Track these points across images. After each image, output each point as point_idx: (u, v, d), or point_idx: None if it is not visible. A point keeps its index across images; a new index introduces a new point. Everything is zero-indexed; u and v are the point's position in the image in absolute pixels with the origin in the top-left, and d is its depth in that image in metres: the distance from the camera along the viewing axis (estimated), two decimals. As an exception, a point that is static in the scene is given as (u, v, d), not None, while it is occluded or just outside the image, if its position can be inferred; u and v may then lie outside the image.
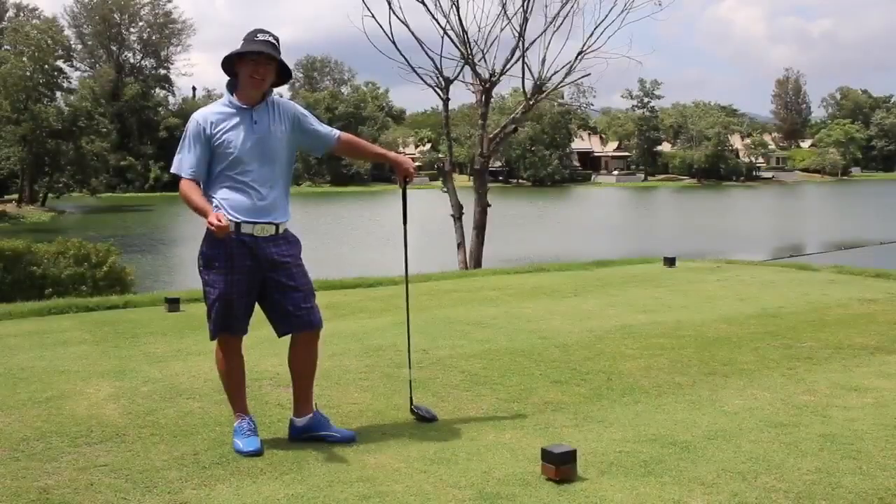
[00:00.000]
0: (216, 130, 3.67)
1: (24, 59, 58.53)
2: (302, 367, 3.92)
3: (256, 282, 3.76)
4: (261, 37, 3.70)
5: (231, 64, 3.74)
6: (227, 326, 3.85)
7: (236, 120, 3.69)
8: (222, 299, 3.77)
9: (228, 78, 3.81)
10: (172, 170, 3.70)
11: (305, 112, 3.95)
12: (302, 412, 3.87)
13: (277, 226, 3.77)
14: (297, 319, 3.80)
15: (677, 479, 3.26)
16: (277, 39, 3.74)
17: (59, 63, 62.72)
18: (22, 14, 74.76)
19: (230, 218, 3.64)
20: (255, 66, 3.68)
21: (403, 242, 4.17)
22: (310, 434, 3.81)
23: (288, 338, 3.90)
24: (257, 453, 3.60)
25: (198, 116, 3.72)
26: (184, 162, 3.69)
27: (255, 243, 3.71)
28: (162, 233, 45.59)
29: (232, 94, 3.75)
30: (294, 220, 4.02)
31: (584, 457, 3.46)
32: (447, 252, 21.12)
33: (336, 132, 4.03)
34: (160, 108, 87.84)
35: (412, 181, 4.17)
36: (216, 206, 3.68)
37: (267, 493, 3.19)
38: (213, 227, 3.45)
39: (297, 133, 3.86)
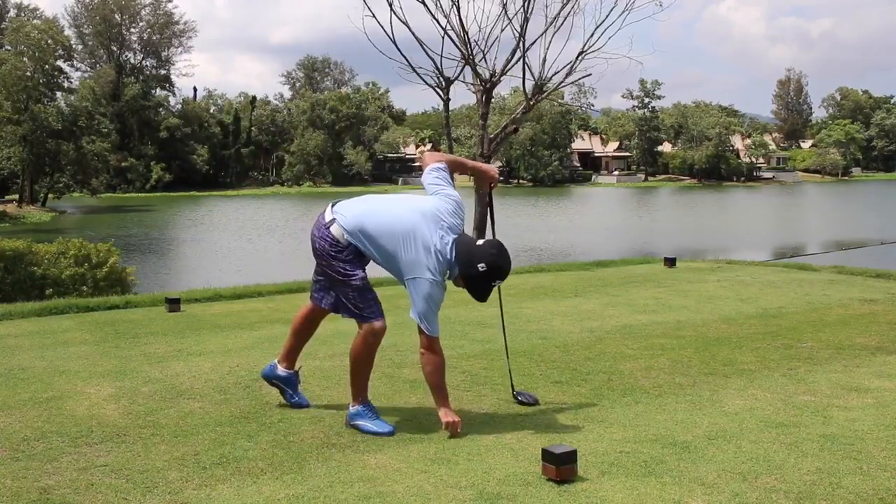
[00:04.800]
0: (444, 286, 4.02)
1: (25, 59, 58.53)
2: (313, 333, 4.43)
3: None
4: (495, 284, 3.99)
5: None
6: (381, 312, 4.05)
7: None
8: (366, 280, 4.03)
9: None
10: (436, 332, 4.04)
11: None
12: (288, 365, 4.36)
13: None
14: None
15: (678, 480, 3.26)
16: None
17: (60, 63, 62.74)
18: (23, 14, 74.79)
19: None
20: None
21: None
22: (276, 384, 4.35)
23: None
24: (392, 433, 3.87)
25: (441, 279, 3.96)
26: (437, 318, 4.05)
27: None
28: (162, 233, 45.62)
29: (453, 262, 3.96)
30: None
31: (585, 457, 3.46)
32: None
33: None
34: (161, 109, 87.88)
35: (496, 187, 4.40)
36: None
37: (268, 493, 3.19)
38: (455, 428, 3.86)
39: None
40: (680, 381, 4.81)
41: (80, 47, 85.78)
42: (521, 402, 4.37)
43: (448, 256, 3.88)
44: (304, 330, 4.39)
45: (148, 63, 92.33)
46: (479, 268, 3.85)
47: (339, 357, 5.44)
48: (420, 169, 4.49)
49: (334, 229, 3.95)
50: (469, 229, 17.02)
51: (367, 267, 4.10)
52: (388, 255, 3.92)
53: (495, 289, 4.08)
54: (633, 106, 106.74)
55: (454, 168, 4.33)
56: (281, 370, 4.35)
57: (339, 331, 6.18)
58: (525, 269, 11.25)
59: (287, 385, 4.36)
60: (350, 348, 4.09)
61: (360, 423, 3.95)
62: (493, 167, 4.42)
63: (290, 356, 4.39)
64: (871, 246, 32.03)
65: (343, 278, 3.96)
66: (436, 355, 3.99)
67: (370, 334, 4.01)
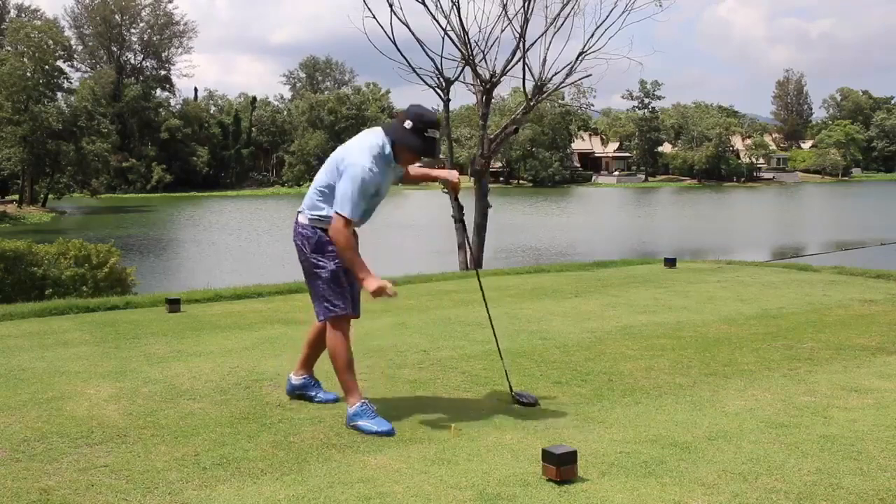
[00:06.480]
0: (377, 187, 4.12)
1: (25, 59, 58.55)
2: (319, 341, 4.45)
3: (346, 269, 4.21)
4: (430, 133, 4.11)
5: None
6: (346, 305, 4.13)
7: (388, 173, 4.19)
8: (336, 273, 4.12)
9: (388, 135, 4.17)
10: (349, 214, 3.99)
11: None
12: (301, 373, 4.48)
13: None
14: (359, 305, 4.33)
15: (678, 480, 3.26)
16: (439, 126, 4.22)
17: (60, 63, 62.78)
18: (23, 15, 74.84)
19: None
20: (418, 157, 4.22)
21: (467, 243, 4.67)
22: (299, 394, 4.47)
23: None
24: (392, 433, 3.89)
25: (374, 176, 4.04)
26: (359, 209, 4.05)
27: None
28: (162, 233, 45.61)
29: (391, 149, 4.12)
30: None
31: (585, 457, 3.46)
32: (448, 253, 21.12)
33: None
34: (161, 110, 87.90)
35: (458, 190, 4.57)
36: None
37: (268, 493, 3.19)
38: (382, 294, 3.97)
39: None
40: (680, 382, 4.81)
41: (80, 48, 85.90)
42: (520, 403, 4.36)
43: (386, 152, 4.09)
44: (320, 341, 4.44)
45: (148, 64, 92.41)
46: (406, 126, 4.07)
47: (339, 358, 5.44)
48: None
49: (300, 218, 4.23)
50: (469, 230, 17.03)
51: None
52: (333, 186, 4.07)
53: (482, 292, 4.36)
54: (634, 106, 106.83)
55: (421, 177, 4.57)
56: (295, 379, 4.50)
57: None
58: (525, 269, 11.24)
59: (307, 389, 4.48)
60: (327, 348, 4.21)
61: (360, 423, 3.97)
62: (454, 172, 4.60)
63: (306, 365, 4.51)
64: (871, 246, 32.02)
65: (316, 270, 4.15)
66: (343, 233, 4.01)
67: (338, 325, 4.15)
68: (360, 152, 4.05)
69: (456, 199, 4.65)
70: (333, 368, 4.17)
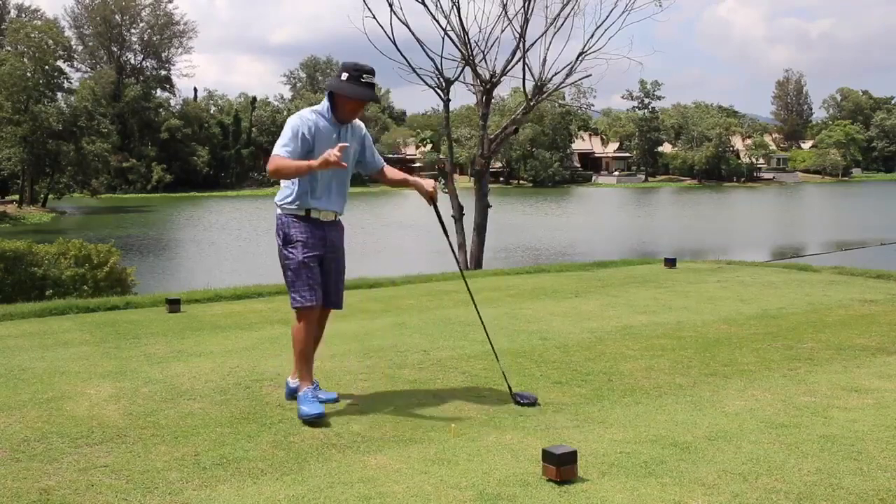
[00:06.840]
0: (313, 136, 4.29)
1: (25, 59, 58.55)
2: (319, 337, 4.58)
3: (320, 257, 4.38)
4: (366, 79, 4.32)
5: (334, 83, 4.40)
6: (312, 295, 4.28)
7: (329, 133, 4.34)
8: (302, 263, 4.29)
9: (329, 90, 4.42)
10: (274, 152, 4.25)
11: (370, 138, 4.68)
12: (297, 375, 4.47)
13: (336, 213, 4.48)
14: (336, 297, 4.51)
15: (678, 480, 3.26)
16: (374, 73, 4.38)
17: (60, 63, 62.77)
18: (23, 15, 74.86)
19: (306, 207, 4.34)
20: (359, 105, 4.38)
21: (451, 248, 5.28)
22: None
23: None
24: (321, 416, 4.04)
25: (303, 119, 4.32)
26: (286, 148, 4.24)
27: (322, 226, 4.39)
28: (162, 233, 45.62)
29: (331, 107, 4.35)
30: None
31: (585, 458, 3.46)
32: (448, 253, 21.14)
33: (382, 162, 4.71)
34: (161, 110, 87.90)
35: (437, 199, 4.70)
36: (298, 197, 4.32)
37: (268, 493, 3.19)
38: (330, 163, 4.05)
39: (360, 151, 4.59)
40: (680, 382, 4.81)
41: (80, 48, 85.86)
42: (520, 404, 4.36)
43: (323, 109, 4.35)
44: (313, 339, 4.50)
45: (148, 64, 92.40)
46: (342, 77, 4.32)
47: (339, 358, 5.45)
48: (420, 170, 4.65)
49: (277, 210, 4.42)
50: (469, 230, 17.04)
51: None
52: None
53: (471, 294, 4.71)
54: (634, 106, 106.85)
55: (400, 182, 4.73)
56: (292, 382, 4.51)
57: (339, 331, 6.20)
58: (525, 269, 11.25)
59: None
60: (291, 334, 4.41)
61: (301, 407, 4.12)
62: (429, 181, 4.71)
63: None
64: (871, 246, 32.03)
65: (286, 261, 4.35)
66: (275, 160, 4.22)
67: (302, 315, 4.31)
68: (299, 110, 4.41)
69: (436, 209, 4.72)
70: (293, 352, 4.35)
